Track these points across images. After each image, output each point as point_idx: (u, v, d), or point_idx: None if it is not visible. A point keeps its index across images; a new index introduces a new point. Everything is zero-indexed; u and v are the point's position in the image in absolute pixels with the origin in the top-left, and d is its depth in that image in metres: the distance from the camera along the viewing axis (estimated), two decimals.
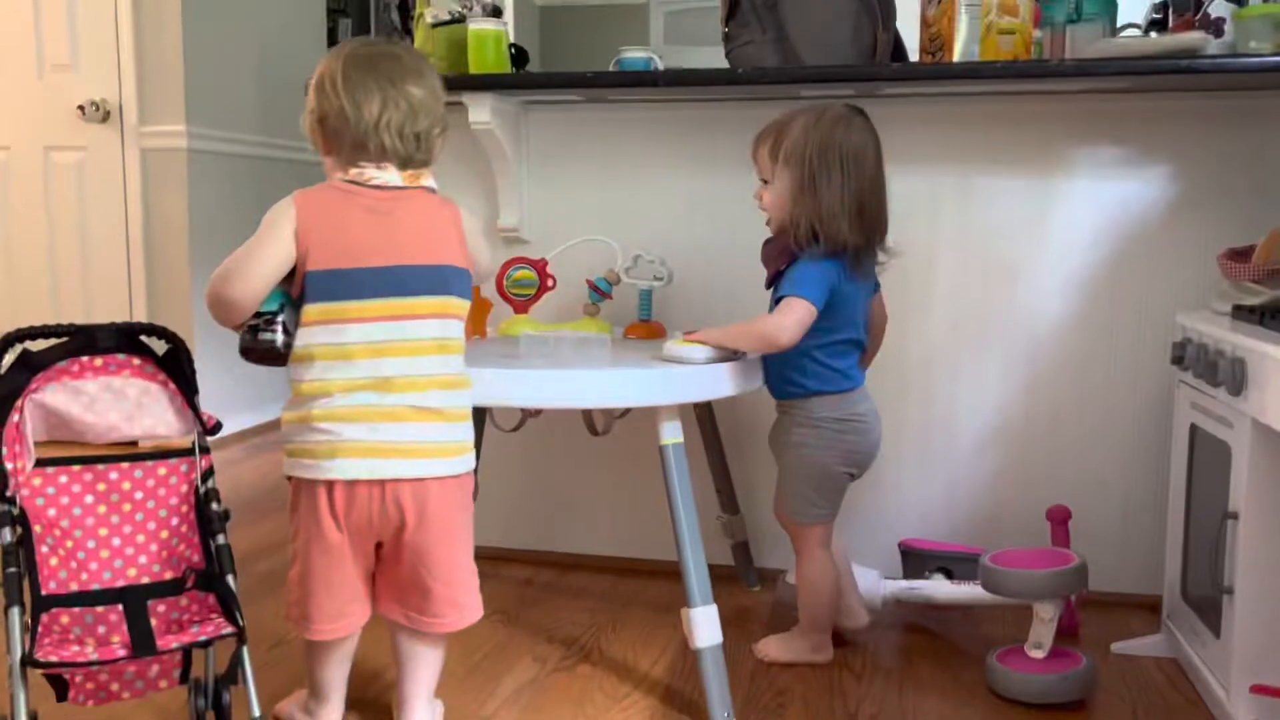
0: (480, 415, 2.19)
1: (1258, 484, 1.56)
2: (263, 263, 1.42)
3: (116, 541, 1.48)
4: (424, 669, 1.58)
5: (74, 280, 3.64)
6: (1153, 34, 2.39)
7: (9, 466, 1.39)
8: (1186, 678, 1.84)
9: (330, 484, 1.42)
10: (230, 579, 1.46)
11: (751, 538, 2.31)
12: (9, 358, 1.43)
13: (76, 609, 1.42)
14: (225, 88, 3.66)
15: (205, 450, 1.54)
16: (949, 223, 2.20)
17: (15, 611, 1.32)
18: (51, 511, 1.45)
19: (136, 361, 1.50)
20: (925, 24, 2.13)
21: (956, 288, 2.21)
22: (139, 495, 1.50)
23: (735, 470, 2.26)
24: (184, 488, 1.52)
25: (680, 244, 2.27)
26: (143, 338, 1.51)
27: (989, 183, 2.18)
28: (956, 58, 2.06)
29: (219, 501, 1.52)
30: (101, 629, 1.43)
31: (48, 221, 3.63)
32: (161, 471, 1.51)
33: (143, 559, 1.48)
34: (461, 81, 2.20)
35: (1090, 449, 2.19)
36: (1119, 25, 2.20)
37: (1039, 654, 1.79)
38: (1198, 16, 2.10)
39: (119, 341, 1.49)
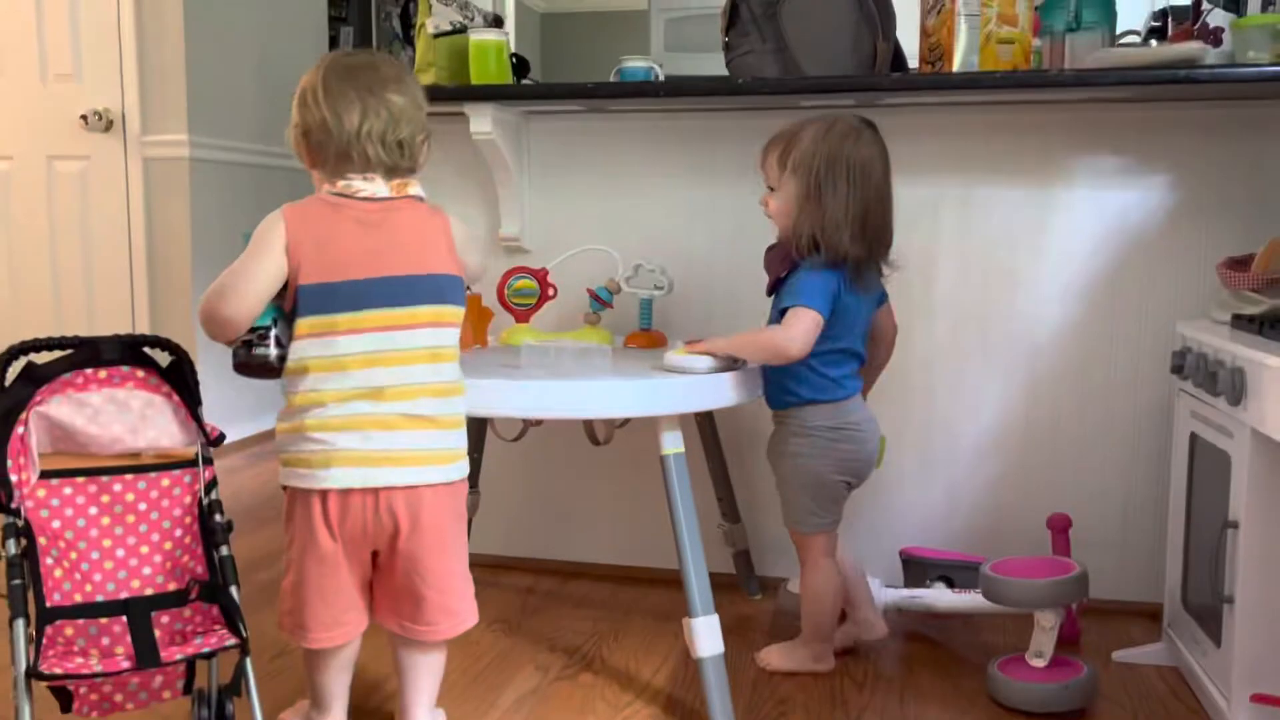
0: (481, 425, 2.20)
1: (1257, 493, 1.56)
2: (256, 279, 1.42)
3: (120, 553, 1.48)
4: (424, 678, 1.58)
5: (76, 289, 3.64)
6: (1153, 42, 2.40)
7: (14, 479, 1.40)
8: (1188, 686, 1.84)
9: (324, 493, 1.43)
10: (233, 590, 1.47)
11: (752, 546, 2.31)
12: (13, 370, 1.44)
13: (81, 621, 1.43)
14: (227, 97, 3.67)
15: (208, 462, 1.55)
16: (949, 231, 2.21)
17: (20, 623, 1.32)
18: (56, 523, 1.46)
19: (140, 373, 1.51)
20: (925, 34, 2.14)
21: (957, 296, 2.22)
22: (143, 507, 1.50)
23: (736, 478, 2.26)
24: (187, 499, 1.53)
25: (681, 253, 2.28)
26: (146, 349, 1.52)
27: (989, 192, 2.19)
28: (956, 68, 2.07)
29: (222, 513, 1.53)
30: (105, 640, 1.44)
31: (50, 230, 3.64)
32: (165, 483, 1.52)
33: (146, 570, 1.49)
34: (463, 92, 2.21)
35: (1091, 457, 2.19)
36: (1118, 33, 2.20)
37: (1040, 662, 1.79)
38: (1196, 26, 2.11)
39: (123, 353, 1.50)
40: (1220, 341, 1.66)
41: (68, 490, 1.47)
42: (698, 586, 1.70)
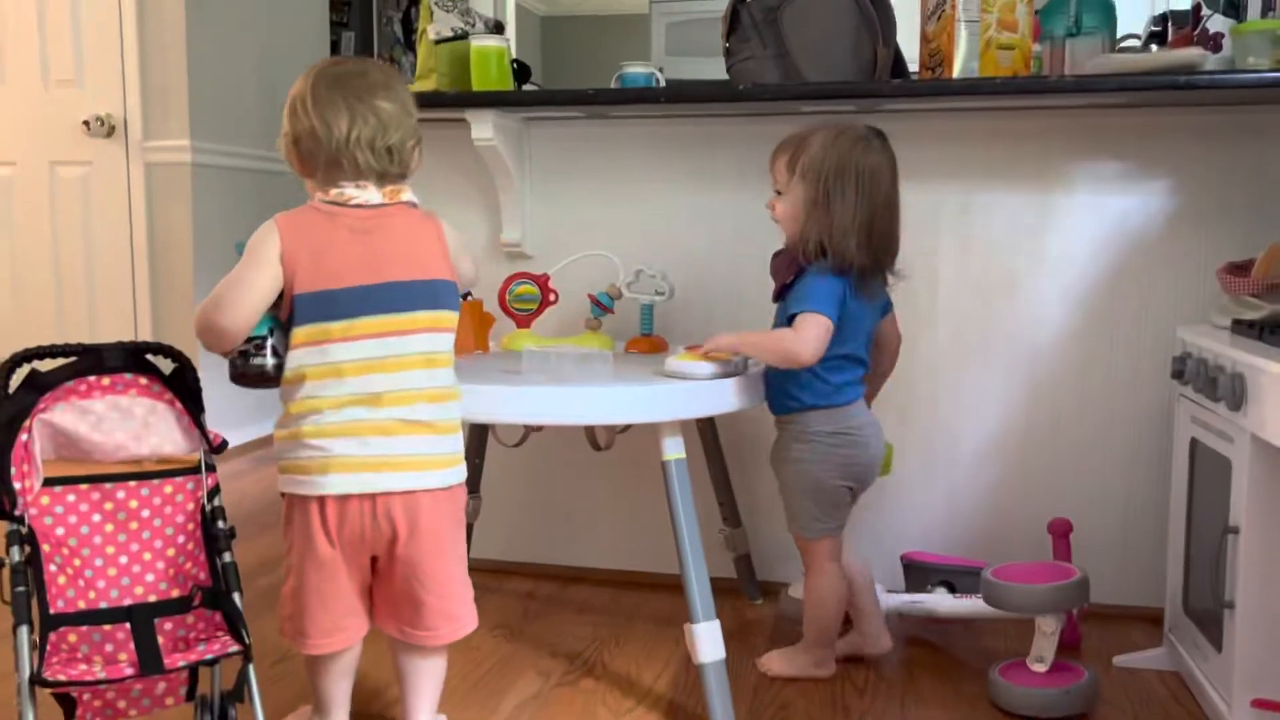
0: (483, 430, 2.21)
1: (1258, 499, 1.57)
2: (252, 290, 1.43)
3: (124, 560, 1.49)
4: (425, 684, 1.59)
5: (79, 294, 3.65)
6: (1153, 47, 2.40)
7: (18, 486, 1.40)
8: (1189, 691, 1.85)
9: (322, 499, 1.43)
10: (236, 597, 1.48)
11: (753, 551, 2.31)
12: (17, 378, 1.44)
13: (84, 627, 1.43)
14: (229, 102, 3.68)
15: (211, 468, 1.55)
16: (950, 237, 2.22)
17: (24, 630, 1.33)
18: (59, 530, 1.46)
19: (143, 380, 1.51)
20: (925, 39, 2.15)
21: (957, 301, 2.22)
22: (146, 514, 1.51)
23: (737, 483, 2.26)
24: (190, 506, 1.53)
25: (682, 258, 2.29)
26: (149, 356, 1.53)
27: (989, 197, 2.19)
28: (956, 74, 2.07)
29: (225, 519, 1.53)
30: (109, 647, 1.44)
31: (53, 236, 3.65)
32: (168, 490, 1.53)
33: (150, 577, 1.49)
34: (464, 98, 2.22)
35: (1091, 462, 2.20)
36: (1118, 37, 2.21)
37: (1041, 667, 1.79)
38: (1196, 31, 2.12)
39: (126, 361, 1.50)
40: (1220, 347, 1.67)
41: (71, 497, 1.48)
42: (699, 592, 1.70)
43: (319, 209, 1.48)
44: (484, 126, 2.20)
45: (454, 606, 1.53)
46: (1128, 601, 2.18)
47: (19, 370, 1.45)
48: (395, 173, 1.51)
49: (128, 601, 1.47)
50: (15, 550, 1.38)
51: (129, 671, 1.36)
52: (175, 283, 3.58)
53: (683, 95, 2.22)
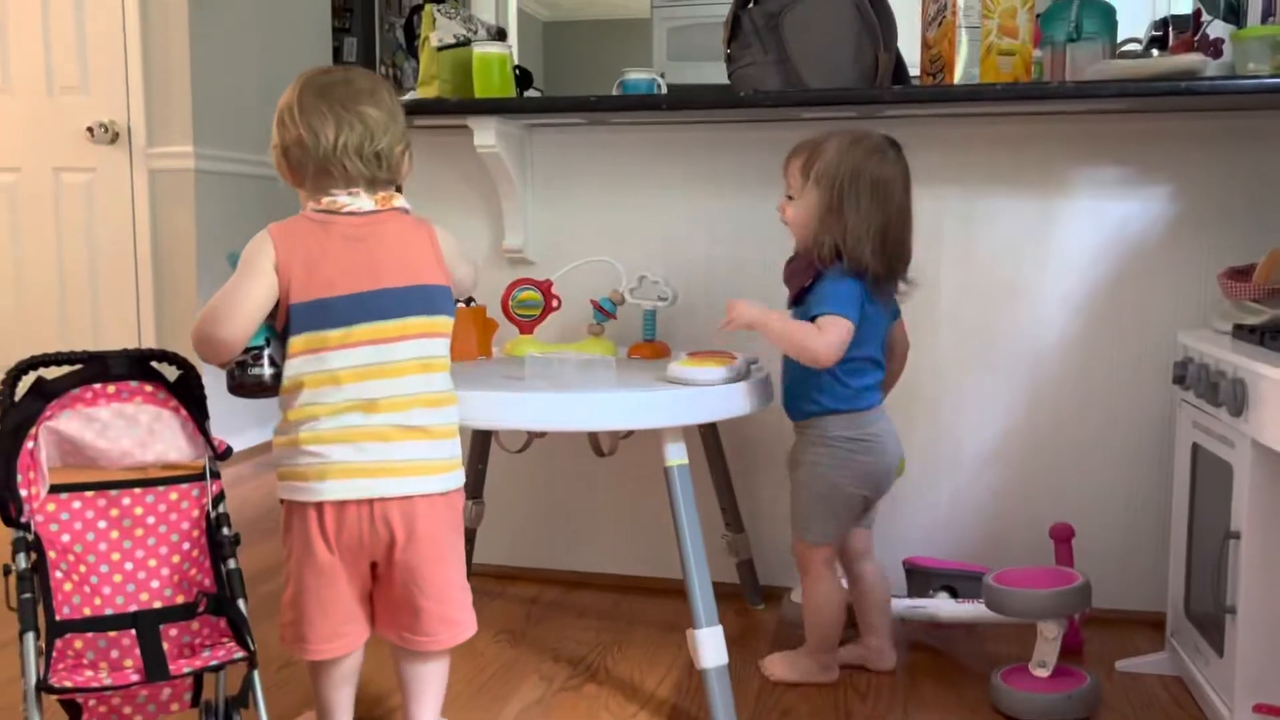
0: (486, 436, 2.21)
1: (1259, 504, 1.57)
2: (248, 300, 1.44)
3: (129, 566, 1.49)
4: (427, 690, 1.59)
5: (82, 300, 3.66)
6: (1154, 52, 2.41)
7: (24, 493, 1.41)
8: (1190, 696, 1.85)
9: (320, 505, 1.44)
10: (241, 603, 1.48)
11: (756, 555, 2.32)
12: (23, 385, 1.45)
13: (90, 634, 1.44)
14: (232, 108, 3.69)
15: (216, 475, 1.56)
16: (951, 242, 2.22)
17: (30, 637, 1.33)
18: (65, 537, 1.47)
19: (148, 388, 1.52)
20: (926, 46, 2.15)
21: (959, 307, 2.23)
22: (151, 520, 1.52)
23: (740, 488, 2.27)
24: (195, 512, 1.54)
25: (684, 264, 2.29)
26: (154, 364, 1.53)
27: (990, 203, 2.20)
28: (957, 80, 2.08)
29: (229, 526, 1.54)
30: (114, 653, 1.45)
31: (57, 242, 3.66)
32: (173, 497, 1.53)
33: (155, 584, 1.50)
34: (466, 105, 2.22)
35: (1093, 467, 2.20)
36: (1119, 42, 2.21)
37: (1043, 672, 1.80)
38: (1196, 37, 2.12)
39: (131, 368, 1.51)
40: (1221, 352, 1.67)
41: (77, 504, 1.48)
42: (702, 597, 1.71)
43: (312, 218, 1.49)
44: (486, 133, 2.21)
45: (453, 611, 1.53)
46: (1130, 606, 2.19)
47: (25, 378, 1.46)
48: (384, 178, 1.51)
49: (133, 608, 1.48)
50: (21, 557, 1.39)
51: (134, 678, 1.37)
52: (179, 289, 3.59)
53: (684, 102, 2.23)
